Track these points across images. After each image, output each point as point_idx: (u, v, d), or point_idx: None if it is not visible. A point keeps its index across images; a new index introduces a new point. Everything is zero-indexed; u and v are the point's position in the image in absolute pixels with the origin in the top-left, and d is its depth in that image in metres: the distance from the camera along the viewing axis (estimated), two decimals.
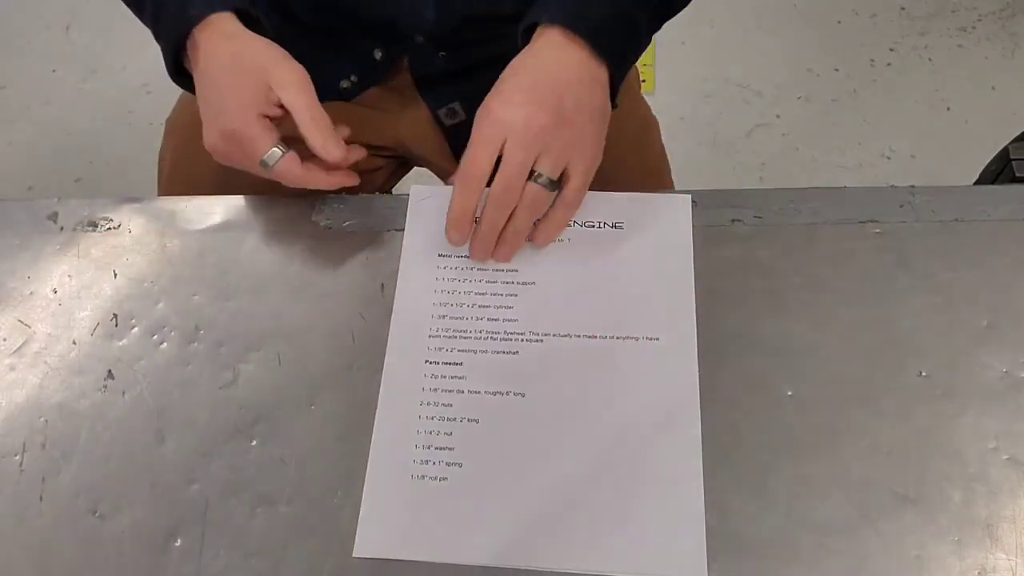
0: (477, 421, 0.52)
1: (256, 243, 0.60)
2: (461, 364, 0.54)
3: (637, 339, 0.54)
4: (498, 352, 0.55)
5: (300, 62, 0.60)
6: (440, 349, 0.55)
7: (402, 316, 0.56)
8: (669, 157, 0.82)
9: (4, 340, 0.57)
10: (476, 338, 0.55)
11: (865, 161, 1.53)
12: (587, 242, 0.58)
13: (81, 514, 0.51)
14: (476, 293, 0.57)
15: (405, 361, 0.55)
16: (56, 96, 1.64)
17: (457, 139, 0.76)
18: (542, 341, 0.55)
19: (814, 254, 0.57)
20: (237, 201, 0.63)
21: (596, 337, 0.55)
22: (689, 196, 0.59)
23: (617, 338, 0.55)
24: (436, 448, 0.52)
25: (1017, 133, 0.74)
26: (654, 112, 0.83)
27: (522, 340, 0.55)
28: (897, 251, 0.57)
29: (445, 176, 0.83)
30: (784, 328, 0.55)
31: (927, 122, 1.57)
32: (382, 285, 0.58)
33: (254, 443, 0.53)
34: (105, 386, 0.55)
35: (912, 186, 0.60)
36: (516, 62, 0.57)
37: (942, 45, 1.67)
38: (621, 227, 0.59)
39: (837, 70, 1.64)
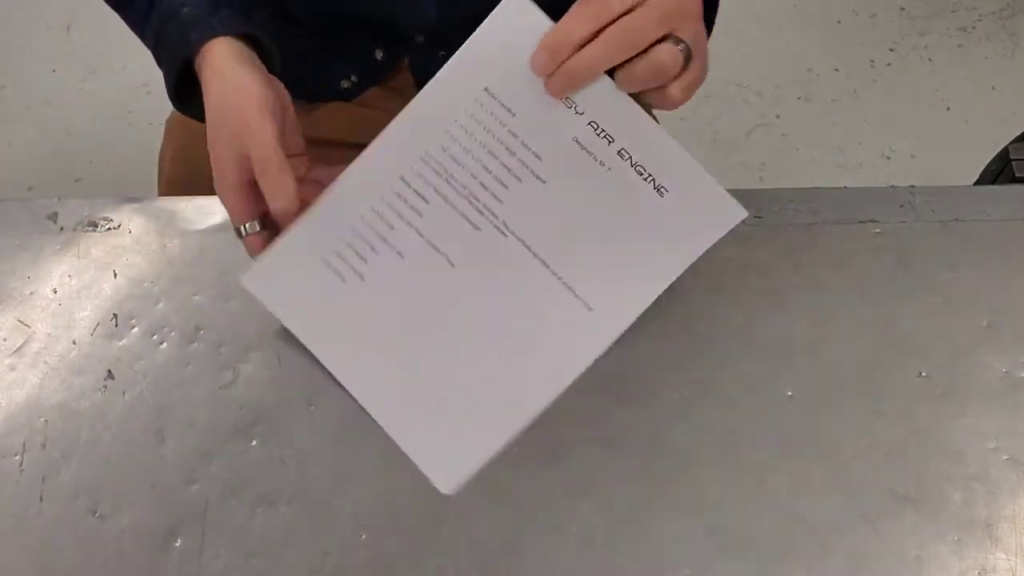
0: (402, 257, 0.53)
1: None
2: (428, 203, 0.53)
3: (576, 296, 0.52)
4: (465, 217, 0.53)
5: (300, 62, 0.60)
6: (421, 176, 0.53)
7: (414, 120, 0.53)
8: None
9: (4, 340, 0.57)
10: (457, 191, 0.53)
11: (865, 161, 1.53)
12: (620, 182, 0.52)
13: (81, 514, 0.51)
14: (489, 152, 0.52)
15: (386, 162, 0.53)
16: (56, 96, 1.64)
17: None
18: (506, 236, 0.53)
19: (814, 254, 0.57)
20: None
21: (547, 267, 0.53)
22: (743, 212, 0.51)
23: (561, 281, 0.52)
24: (355, 251, 0.53)
25: (1017, 133, 0.74)
26: (654, 112, 0.83)
27: (491, 223, 0.53)
28: (897, 251, 0.57)
29: None
30: (784, 328, 0.55)
31: (927, 122, 1.57)
32: None
33: (254, 443, 0.53)
34: (105, 386, 0.55)
35: (912, 186, 0.60)
36: None
37: (942, 45, 1.67)
38: (663, 193, 0.52)
39: (837, 70, 1.64)
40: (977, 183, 0.71)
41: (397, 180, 0.53)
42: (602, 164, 0.52)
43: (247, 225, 0.53)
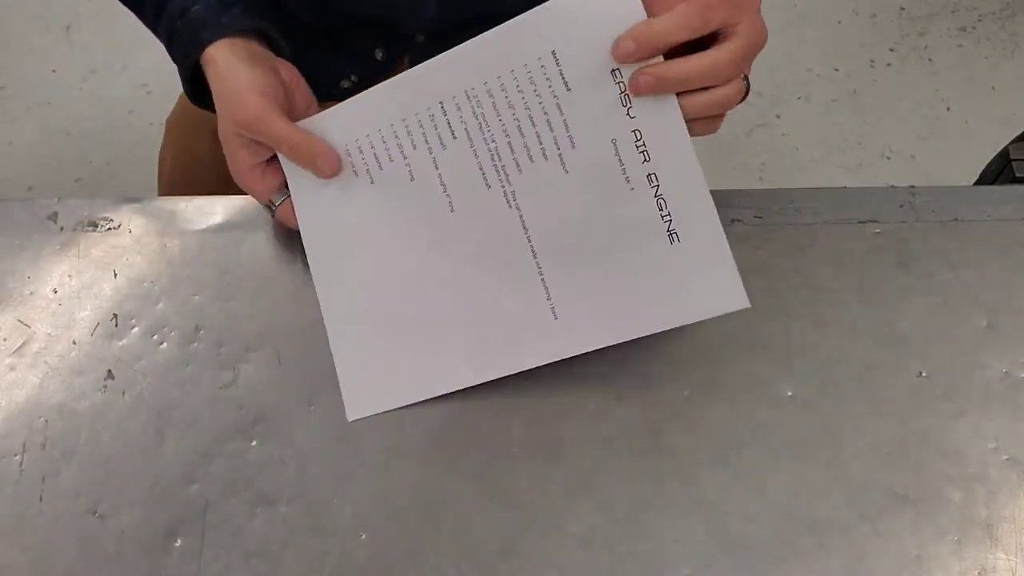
0: (412, 179, 0.53)
1: (256, 243, 0.60)
2: (455, 138, 0.52)
3: (548, 298, 0.52)
4: (481, 168, 0.52)
5: (300, 62, 0.60)
6: (458, 109, 0.51)
7: (468, 54, 0.51)
8: None
9: (4, 340, 0.57)
10: (485, 140, 0.51)
11: (865, 161, 1.53)
12: (637, 207, 0.50)
13: (81, 514, 0.51)
14: (530, 118, 0.50)
15: (433, 82, 0.51)
16: (56, 96, 1.64)
17: None
18: (509, 207, 0.52)
19: (814, 254, 0.57)
20: (237, 201, 0.62)
21: (534, 258, 0.52)
22: (747, 304, 0.49)
23: (541, 279, 0.52)
24: (373, 152, 0.53)
25: (1017, 133, 0.74)
26: None
27: (502, 190, 0.51)
28: (897, 251, 0.57)
29: None
30: (784, 328, 0.55)
31: (927, 122, 1.57)
32: None
33: (254, 443, 0.53)
34: (105, 386, 0.55)
35: (912, 186, 0.60)
36: None
37: (942, 45, 1.67)
38: (674, 239, 0.50)
39: (837, 70, 1.64)
40: (977, 183, 0.71)
41: (436, 103, 0.52)
42: (627, 180, 0.50)
43: (274, 198, 0.56)
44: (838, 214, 0.59)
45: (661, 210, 0.49)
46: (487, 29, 0.70)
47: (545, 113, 0.50)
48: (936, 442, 0.51)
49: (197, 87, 0.58)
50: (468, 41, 0.51)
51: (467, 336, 0.53)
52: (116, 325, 0.57)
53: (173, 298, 0.58)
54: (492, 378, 0.52)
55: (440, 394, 0.53)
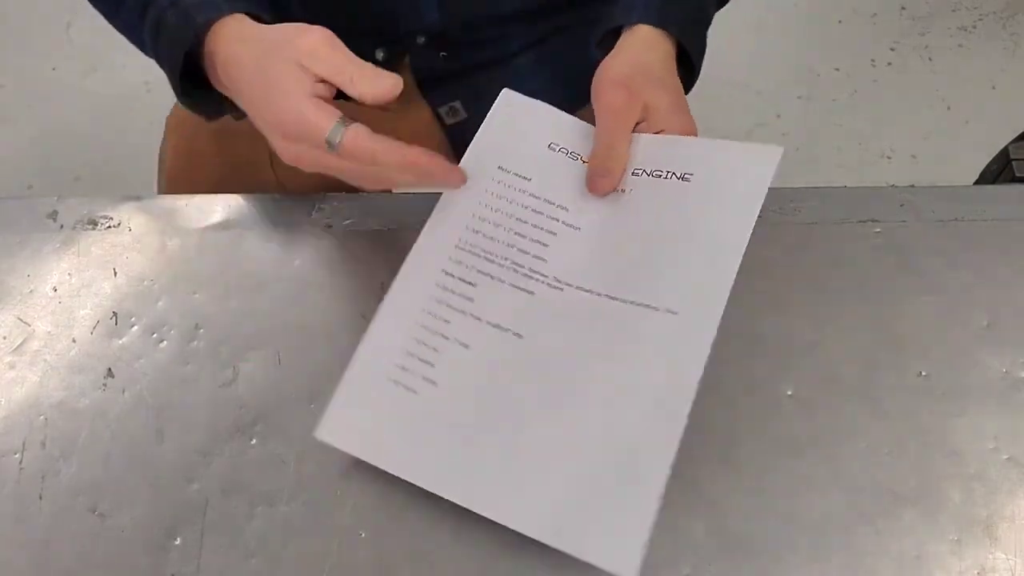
0: (467, 347, 0.51)
1: (256, 242, 0.60)
2: (474, 286, 0.52)
3: (656, 309, 0.50)
4: (515, 286, 0.52)
5: None
6: (460, 263, 0.53)
7: (440, 217, 0.54)
8: None
9: (4, 338, 0.57)
10: (499, 264, 0.53)
11: (865, 161, 1.53)
12: (647, 195, 0.54)
13: (81, 513, 0.51)
14: (518, 219, 0.54)
15: (425, 263, 0.53)
16: (56, 94, 1.64)
17: (458, 138, 0.76)
18: (562, 290, 0.52)
19: (814, 254, 0.57)
20: (237, 200, 0.63)
21: (615, 299, 0.51)
22: (780, 149, 0.52)
23: (635, 304, 0.50)
24: (420, 360, 0.51)
25: (1017, 133, 0.74)
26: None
27: (543, 283, 0.52)
28: (897, 251, 0.57)
29: None
30: (784, 328, 0.55)
31: (927, 122, 1.57)
32: (382, 284, 0.58)
33: (254, 442, 0.53)
34: (105, 384, 0.55)
35: (912, 186, 0.60)
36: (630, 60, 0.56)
37: (943, 45, 1.67)
38: (689, 179, 0.53)
39: (837, 70, 1.64)
40: (977, 183, 0.71)
41: (440, 275, 0.53)
42: (622, 191, 0.54)
43: (331, 133, 0.50)
44: (838, 214, 0.59)
45: (660, 176, 0.54)
46: (487, 30, 0.70)
47: (526, 207, 0.55)
48: (936, 442, 0.51)
49: (185, 87, 0.56)
50: (429, 218, 0.54)
51: (630, 411, 0.48)
52: (116, 323, 0.57)
53: (173, 296, 0.58)
54: (684, 415, 0.47)
55: (408, 479, 0.49)
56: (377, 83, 0.51)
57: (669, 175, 0.54)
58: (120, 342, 0.56)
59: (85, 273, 0.59)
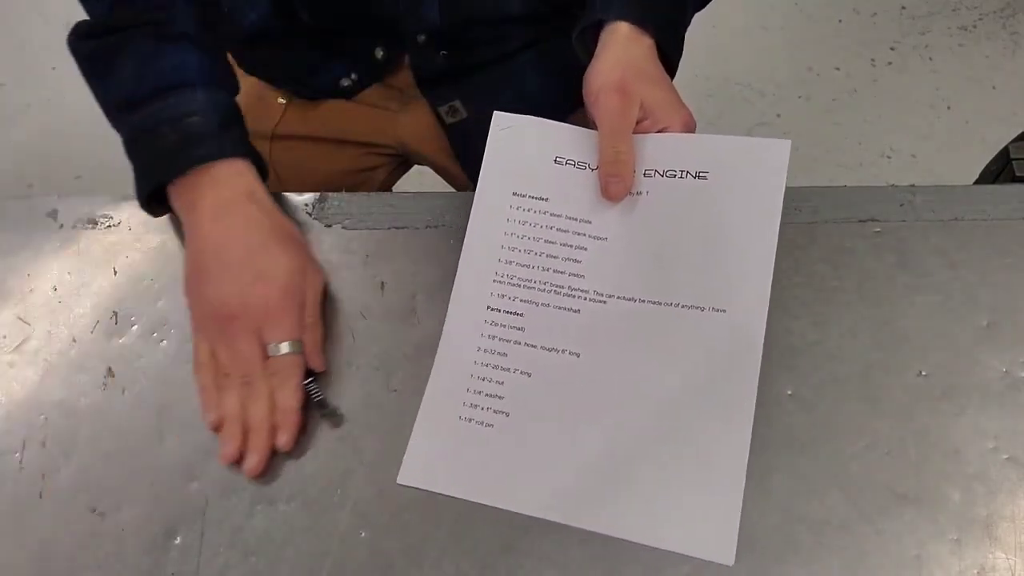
0: (529, 375, 0.53)
1: None
2: (521, 315, 0.54)
3: (703, 309, 0.52)
4: (560, 308, 0.54)
5: (301, 61, 0.60)
6: (503, 297, 0.54)
7: (471, 254, 0.56)
8: None
9: (4, 337, 0.57)
10: (540, 290, 0.54)
11: (865, 161, 1.53)
12: (666, 195, 0.55)
13: (81, 512, 0.51)
14: (546, 241, 0.55)
15: (469, 304, 0.54)
16: (56, 94, 1.64)
17: (457, 137, 0.76)
18: (605, 303, 0.54)
19: (814, 254, 0.57)
20: None
21: (660, 304, 0.53)
22: (788, 142, 0.55)
23: (681, 306, 0.53)
24: (486, 395, 0.52)
25: (1017, 133, 0.74)
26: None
27: (585, 299, 0.54)
28: (897, 251, 0.57)
29: (446, 174, 0.83)
30: (784, 328, 0.55)
31: (927, 122, 1.57)
32: (382, 284, 0.58)
33: None
34: (105, 384, 0.55)
35: (912, 186, 0.60)
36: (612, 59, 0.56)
37: (943, 44, 1.67)
38: (705, 176, 0.55)
39: (838, 69, 1.64)
40: (977, 183, 0.71)
41: (485, 312, 0.54)
42: (637, 194, 0.55)
43: (292, 343, 0.53)
44: (838, 213, 0.59)
45: (673, 176, 0.55)
46: (488, 29, 0.70)
47: (551, 227, 0.56)
48: (936, 441, 0.51)
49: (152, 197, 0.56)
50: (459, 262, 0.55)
51: (701, 409, 0.51)
52: (116, 323, 0.57)
53: (173, 296, 0.58)
54: (752, 400, 0.50)
55: (503, 507, 0.50)
56: (311, 347, 0.54)
57: (684, 174, 0.55)
58: (120, 341, 0.56)
59: (85, 272, 0.59)
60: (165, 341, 0.56)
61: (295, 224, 0.58)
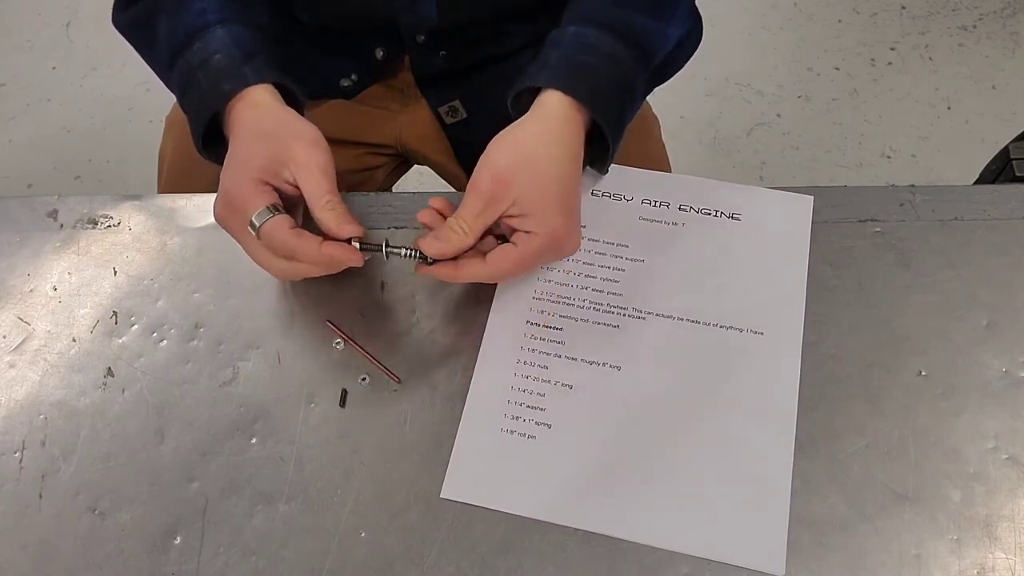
0: (570, 387, 0.53)
1: None
2: (561, 330, 0.55)
3: (741, 331, 0.54)
4: (599, 323, 0.55)
5: (301, 61, 0.60)
6: (542, 312, 0.56)
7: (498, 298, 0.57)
8: (670, 156, 0.82)
9: (4, 337, 0.57)
10: (579, 306, 0.56)
11: (865, 161, 1.53)
12: (702, 229, 0.58)
13: (81, 512, 0.51)
14: (584, 262, 0.57)
15: (507, 319, 0.55)
16: (56, 94, 1.63)
17: (457, 137, 0.76)
18: (644, 319, 0.55)
19: (814, 253, 0.57)
20: None
21: (699, 323, 0.55)
22: (811, 198, 0.59)
23: (721, 327, 0.54)
24: (528, 407, 0.53)
25: (1017, 133, 0.74)
26: (655, 111, 0.83)
27: (624, 315, 0.55)
28: (897, 251, 0.57)
29: (446, 174, 0.83)
30: None
31: (927, 122, 1.57)
32: (382, 284, 0.58)
33: (254, 441, 0.53)
34: (105, 384, 0.55)
35: (912, 186, 0.60)
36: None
37: (943, 44, 1.67)
38: (739, 218, 0.59)
39: (838, 69, 1.64)
40: (977, 183, 0.71)
41: (525, 326, 0.55)
42: (674, 224, 0.58)
43: (256, 215, 0.50)
44: (838, 214, 0.59)
45: (709, 215, 0.59)
46: (487, 29, 0.70)
47: (590, 251, 0.57)
48: (935, 441, 0.51)
49: (207, 140, 0.57)
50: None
51: (742, 421, 0.51)
52: (116, 322, 0.57)
53: (173, 295, 0.58)
54: (794, 412, 0.52)
55: (547, 520, 0.50)
56: (336, 224, 0.51)
57: (718, 213, 0.58)
58: (120, 341, 0.56)
59: (85, 272, 0.59)
60: (165, 341, 0.56)
61: (305, 123, 0.55)
